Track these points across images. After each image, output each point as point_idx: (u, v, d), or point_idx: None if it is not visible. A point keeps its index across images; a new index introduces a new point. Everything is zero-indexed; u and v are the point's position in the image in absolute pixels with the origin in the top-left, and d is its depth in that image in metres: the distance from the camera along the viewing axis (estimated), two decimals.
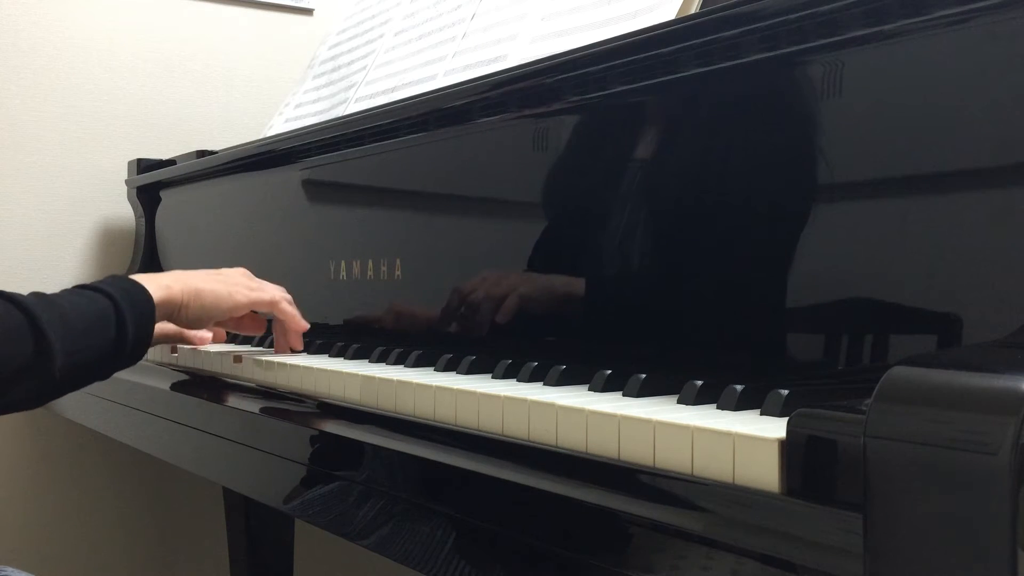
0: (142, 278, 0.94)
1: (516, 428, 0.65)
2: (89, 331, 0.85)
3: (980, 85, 0.57)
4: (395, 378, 0.78)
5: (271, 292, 1.05)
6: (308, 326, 1.06)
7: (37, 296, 0.84)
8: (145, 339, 0.91)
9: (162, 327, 1.01)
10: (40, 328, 0.80)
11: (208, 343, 1.14)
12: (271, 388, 0.97)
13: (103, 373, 0.89)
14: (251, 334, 1.11)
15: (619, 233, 0.79)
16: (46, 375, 0.81)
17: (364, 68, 1.28)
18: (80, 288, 0.89)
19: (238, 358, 1.06)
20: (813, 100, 0.65)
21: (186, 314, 0.98)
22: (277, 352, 1.06)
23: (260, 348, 1.16)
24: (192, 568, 1.81)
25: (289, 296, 1.08)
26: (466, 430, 0.69)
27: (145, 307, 0.91)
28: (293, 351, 1.06)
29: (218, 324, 1.07)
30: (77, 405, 1.41)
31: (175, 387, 1.12)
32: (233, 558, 1.65)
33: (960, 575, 0.38)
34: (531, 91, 0.85)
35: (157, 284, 0.94)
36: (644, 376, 0.65)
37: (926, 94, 0.60)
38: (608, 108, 0.80)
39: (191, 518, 1.80)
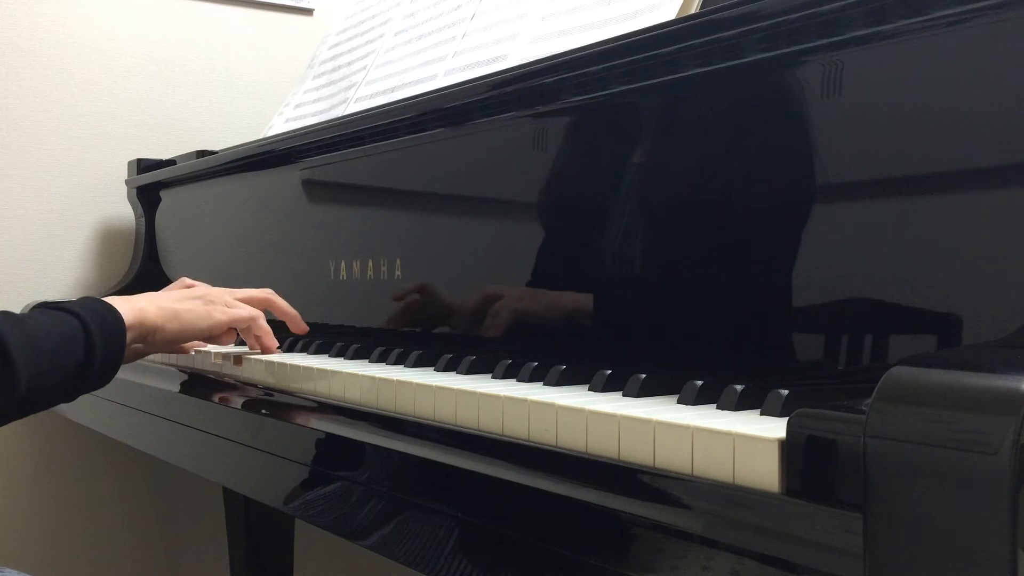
0: (116, 300, 0.92)
1: (516, 428, 0.65)
2: (56, 352, 0.82)
3: (980, 85, 0.57)
4: (395, 378, 0.78)
5: (248, 309, 1.04)
6: (277, 344, 1.07)
7: (5, 315, 0.82)
8: (115, 362, 0.89)
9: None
10: (5, 348, 0.78)
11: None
12: (271, 388, 0.97)
13: (69, 395, 0.87)
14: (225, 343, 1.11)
15: (619, 233, 0.79)
16: (9, 396, 0.79)
17: (364, 68, 1.28)
18: (50, 308, 0.87)
19: (238, 359, 1.06)
20: (813, 100, 0.65)
21: (162, 336, 0.97)
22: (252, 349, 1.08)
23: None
24: (192, 568, 1.81)
25: (268, 298, 1.08)
26: (466, 430, 0.69)
27: (115, 329, 0.89)
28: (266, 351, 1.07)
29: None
30: (77, 405, 1.40)
31: (175, 387, 1.12)
32: (233, 558, 1.65)
33: (960, 575, 0.38)
34: (531, 91, 0.85)
35: (130, 307, 0.93)
36: (644, 376, 0.65)
37: (926, 94, 0.60)
38: (608, 108, 0.80)
39: (191, 518, 1.80)
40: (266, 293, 1.09)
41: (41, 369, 0.81)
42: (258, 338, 1.06)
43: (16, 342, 0.79)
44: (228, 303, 1.04)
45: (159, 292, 1.03)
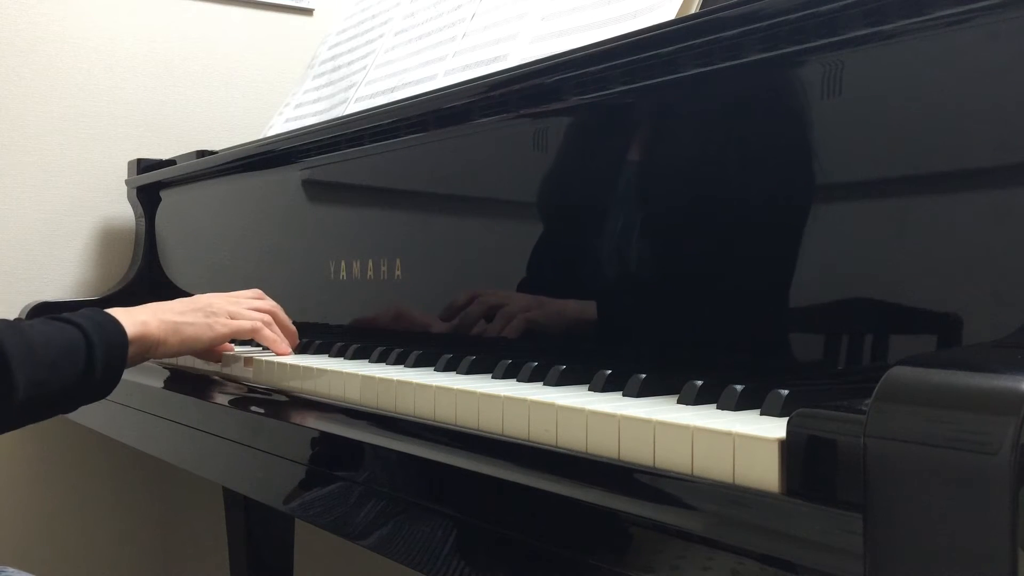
0: (119, 312, 0.92)
1: (516, 428, 0.65)
2: (56, 363, 0.83)
3: (980, 85, 0.57)
4: (395, 378, 0.78)
5: (252, 319, 1.03)
6: (290, 351, 1.05)
7: (6, 324, 0.82)
8: (115, 374, 0.89)
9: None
10: (4, 357, 0.79)
11: None
12: (271, 388, 0.97)
13: (68, 406, 0.87)
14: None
15: (619, 233, 0.79)
16: (7, 405, 0.80)
17: (364, 68, 1.28)
18: (53, 318, 0.88)
19: (238, 359, 1.06)
20: (813, 100, 0.65)
21: (164, 349, 0.96)
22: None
23: (259, 348, 1.16)
24: (192, 568, 1.81)
25: (273, 311, 1.06)
26: (466, 430, 0.69)
27: (117, 341, 0.89)
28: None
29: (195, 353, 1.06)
30: None
31: (175, 387, 1.12)
32: (233, 558, 1.65)
33: (960, 575, 0.38)
34: (531, 91, 0.85)
35: (133, 320, 0.92)
36: (644, 376, 0.65)
37: (926, 94, 0.60)
38: (608, 108, 0.80)
39: (191, 518, 1.80)
40: (272, 307, 1.07)
41: (40, 378, 0.81)
42: (264, 349, 1.05)
43: (15, 351, 0.80)
44: (232, 314, 1.03)
45: (164, 303, 1.01)
